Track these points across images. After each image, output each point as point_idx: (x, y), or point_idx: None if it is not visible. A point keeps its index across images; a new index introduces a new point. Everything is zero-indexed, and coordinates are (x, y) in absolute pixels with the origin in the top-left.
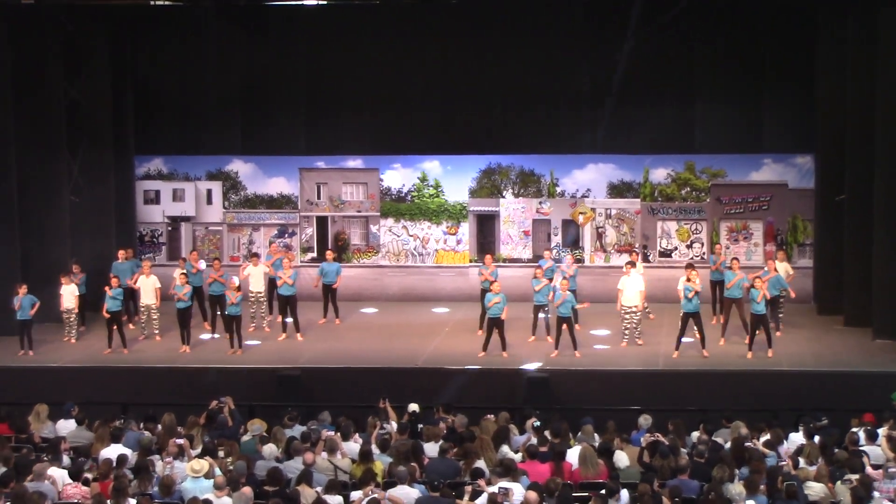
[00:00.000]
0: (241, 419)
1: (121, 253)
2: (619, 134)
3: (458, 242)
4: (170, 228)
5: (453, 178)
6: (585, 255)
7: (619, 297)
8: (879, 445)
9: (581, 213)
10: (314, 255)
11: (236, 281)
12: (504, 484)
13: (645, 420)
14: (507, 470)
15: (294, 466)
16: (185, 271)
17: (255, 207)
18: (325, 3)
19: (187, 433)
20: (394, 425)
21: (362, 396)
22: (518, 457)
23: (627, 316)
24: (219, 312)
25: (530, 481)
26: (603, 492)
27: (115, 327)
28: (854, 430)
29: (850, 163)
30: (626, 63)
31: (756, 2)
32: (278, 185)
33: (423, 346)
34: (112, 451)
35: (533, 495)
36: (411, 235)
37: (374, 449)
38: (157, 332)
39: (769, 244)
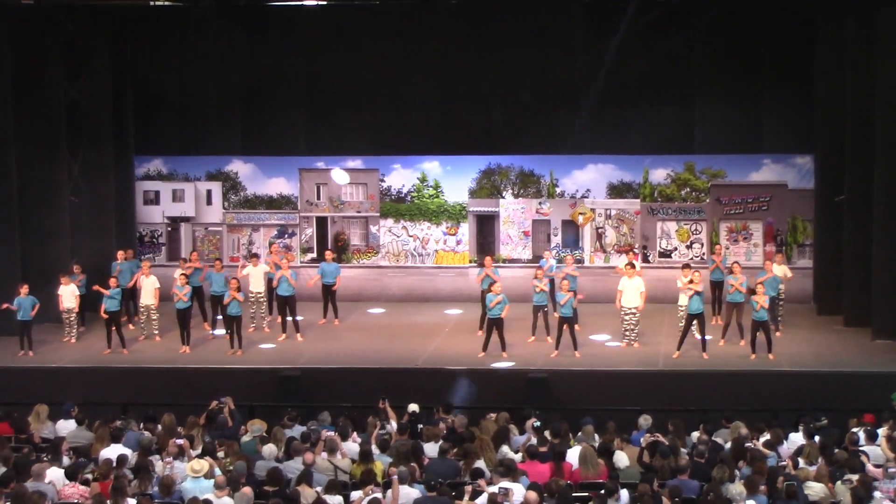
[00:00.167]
0: (241, 419)
1: (119, 253)
2: (618, 134)
3: (458, 243)
4: (169, 229)
5: (453, 179)
6: (585, 256)
7: (618, 298)
8: (879, 446)
9: (581, 213)
10: (314, 255)
11: (236, 281)
12: (504, 484)
13: (645, 420)
14: (508, 470)
15: (294, 467)
16: (184, 272)
17: (255, 208)
18: (325, 3)
19: (187, 433)
20: (394, 425)
21: (362, 396)
22: (518, 457)
23: (627, 317)
24: (220, 317)
25: (530, 481)
26: (602, 492)
27: (113, 328)
28: (854, 430)
29: (850, 163)
30: (611, 60)
31: (756, 2)
32: (278, 186)
33: (423, 347)
34: (112, 452)
35: (533, 495)
36: (411, 236)
37: (374, 449)
38: (156, 332)
39: (769, 244)
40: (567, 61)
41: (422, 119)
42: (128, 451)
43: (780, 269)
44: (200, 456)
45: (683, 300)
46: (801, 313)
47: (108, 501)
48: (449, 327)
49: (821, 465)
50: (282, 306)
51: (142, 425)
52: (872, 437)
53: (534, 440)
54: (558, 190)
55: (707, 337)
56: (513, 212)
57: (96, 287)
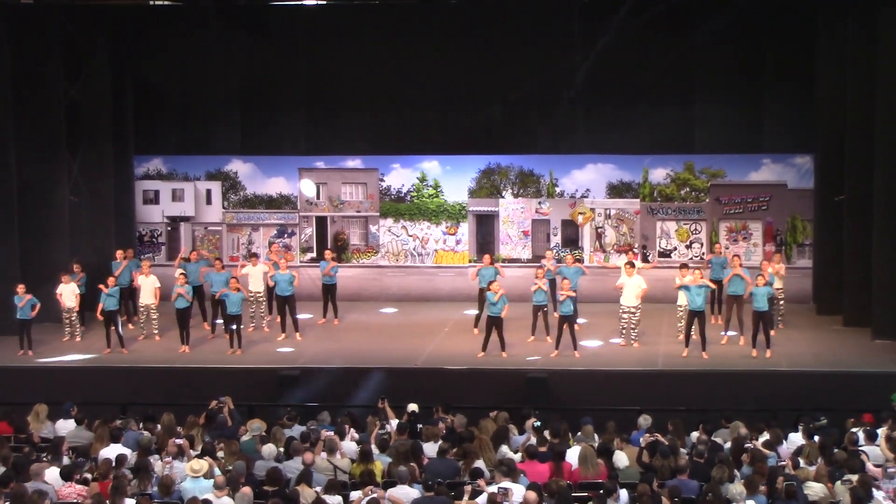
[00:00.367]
0: (240, 419)
1: (118, 253)
2: (618, 134)
3: (458, 242)
4: (169, 228)
5: (452, 179)
6: (585, 256)
7: (622, 289)
8: (878, 446)
9: (580, 213)
10: (313, 255)
11: (235, 280)
12: (504, 484)
13: (644, 420)
14: (508, 470)
15: (293, 466)
16: (184, 271)
17: (255, 207)
18: (324, 2)
19: (187, 433)
20: (393, 425)
21: (362, 396)
22: (517, 457)
23: (626, 316)
24: (220, 321)
25: (529, 481)
26: (602, 492)
27: (112, 327)
28: (853, 430)
29: (850, 163)
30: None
31: (756, 2)
32: (278, 185)
33: (422, 347)
34: (111, 451)
35: (532, 495)
36: (411, 235)
37: (374, 449)
38: (156, 331)
39: (768, 244)
40: (567, 61)
41: (421, 119)
42: (127, 451)
43: (775, 268)
44: (200, 456)
45: (682, 300)
46: (801, 313)
47: (107, 501)
48: (448, 327)
49: (820, 465)
50: (281, 306)
51: (141, 425)
52: (872, 437)
53: (533, 440)
54: (558, 190)
55: (707, 336)
56: (512, 211)
57: (101, 286)
